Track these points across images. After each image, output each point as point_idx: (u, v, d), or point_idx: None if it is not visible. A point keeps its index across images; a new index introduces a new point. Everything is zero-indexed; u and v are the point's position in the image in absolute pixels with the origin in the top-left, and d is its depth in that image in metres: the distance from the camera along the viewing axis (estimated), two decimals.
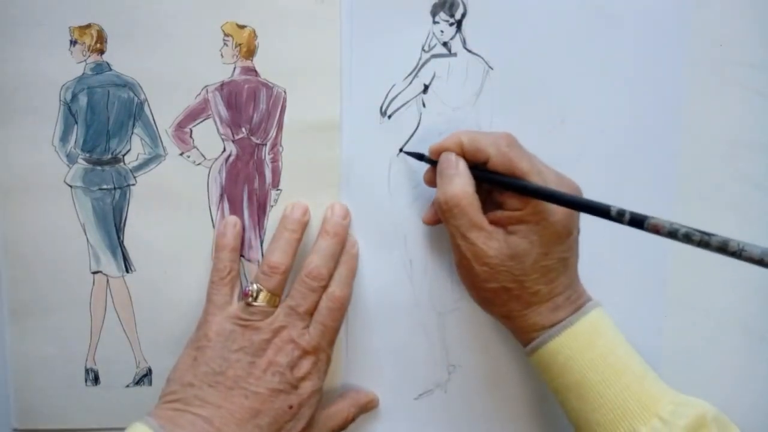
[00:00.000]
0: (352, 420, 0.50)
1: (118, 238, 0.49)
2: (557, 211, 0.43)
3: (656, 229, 0.37)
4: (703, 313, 0.52)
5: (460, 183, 0.44)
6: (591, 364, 0.43)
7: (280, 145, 0.49)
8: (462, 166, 0.44)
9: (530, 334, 0.45)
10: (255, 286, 0.45)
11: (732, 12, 0.49)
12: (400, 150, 0.49)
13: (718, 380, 0.47)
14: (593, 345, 0.43)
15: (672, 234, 0.37)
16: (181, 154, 0.49)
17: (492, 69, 0.49)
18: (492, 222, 0.44)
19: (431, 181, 0.47)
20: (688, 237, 0.36)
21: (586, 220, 0.44)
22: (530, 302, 0.44)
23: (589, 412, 0.43)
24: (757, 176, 0.51)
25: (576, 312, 0.45)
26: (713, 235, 0.35)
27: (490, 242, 0.44)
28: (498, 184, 0.44)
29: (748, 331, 0.52)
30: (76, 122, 0.48)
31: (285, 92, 0.48)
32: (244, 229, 0.49)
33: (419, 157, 0.47)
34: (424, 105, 0.49)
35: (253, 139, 0.49)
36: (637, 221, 0.38)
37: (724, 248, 0.35)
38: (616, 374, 0.43)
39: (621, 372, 0.43)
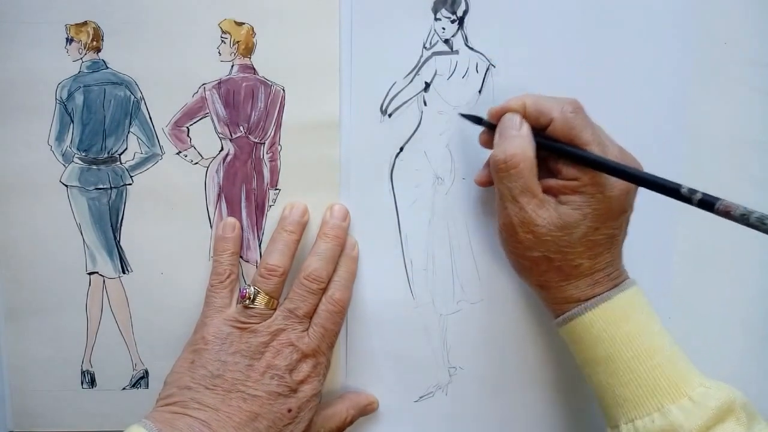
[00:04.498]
0: (351, 422, 0.49)
1: (115, 238, 0.49)
2: (616, 186, 0.42)
3: (727, 212, 0.36)
4: (706, 314, 0.51)
5: (521, 144, 0.42)
6: (625, 339, 0.42)
7: (279, 144, 0.48)
8: (525, 128, 0.43)
9: (564, 306, 0.44)
10: (252, 288, 0.45)
11: (736, 11, 0.49)
12: (460, 115, 0.47)
13: (719, 380, 0.46)
14: (628, 320, 0.42)
15: (743, 218, 0.35)
16: (178, 153, 0.48)
17: (494, 66, 0.48)
18: (544, 190, 0.43)
19: (487, 142, 0.46)
20: (761, 221, 0.34)
21: None
22: (570, 275, 0.43)
23: (617, 386, 0.42)
24: (760, 175, 0.51)
25: (614, 288, 0.43)
26: None
27: (540, 210, 0.42)
28: (560, 152, 0.43)
29: (748, 332, 0.52)
30: (72, 121, 0.48)
31: (284, 90, 0.48)
32: (242, 229, 0.49)
33: (477, 120, 0.46)
34: (425, 103, 0.49)
35: (252, 137, 0.48)
36: (708, 203, 0.37)
37: None
38: (649, 352, 0.42)
39: (654, 350, 0.42)
